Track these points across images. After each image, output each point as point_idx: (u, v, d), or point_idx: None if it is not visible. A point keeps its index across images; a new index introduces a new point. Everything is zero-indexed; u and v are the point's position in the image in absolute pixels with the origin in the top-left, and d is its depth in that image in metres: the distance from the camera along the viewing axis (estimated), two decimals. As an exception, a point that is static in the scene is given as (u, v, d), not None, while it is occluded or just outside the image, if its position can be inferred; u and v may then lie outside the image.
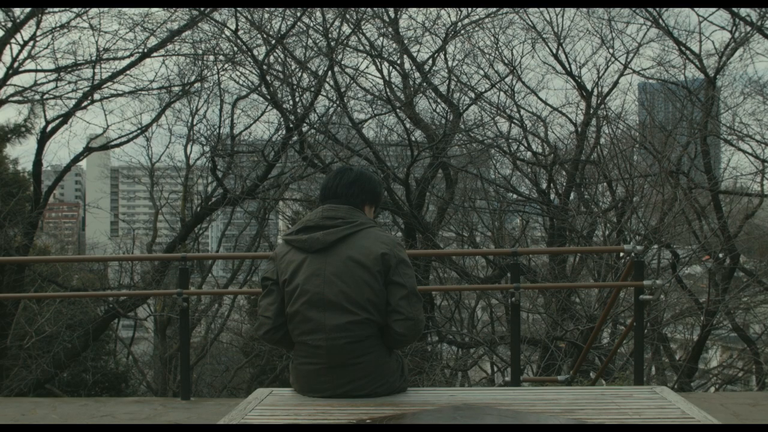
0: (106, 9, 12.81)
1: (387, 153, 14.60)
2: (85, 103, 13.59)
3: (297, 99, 12.78)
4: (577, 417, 2.56)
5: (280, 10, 12.15)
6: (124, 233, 34.49)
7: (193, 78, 14.19)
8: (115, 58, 13.42)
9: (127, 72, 13.47)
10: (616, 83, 14.07)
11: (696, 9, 12.53)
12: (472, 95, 13.88)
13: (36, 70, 13.66)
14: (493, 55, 13.96)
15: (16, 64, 13.02)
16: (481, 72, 14.04)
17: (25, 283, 13.38)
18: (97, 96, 13.65)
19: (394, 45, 13.25)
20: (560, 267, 12.03)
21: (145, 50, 13.33)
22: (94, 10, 12.86)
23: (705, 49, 17.70)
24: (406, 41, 13.21)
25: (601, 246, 11.70)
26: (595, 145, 13.31)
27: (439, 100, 13.86)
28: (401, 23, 13.35)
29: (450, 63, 13.79)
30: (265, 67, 12.44)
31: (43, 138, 13.36)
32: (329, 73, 12.65)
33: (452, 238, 15.14)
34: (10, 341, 12.98)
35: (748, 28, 12.05)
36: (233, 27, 12.39)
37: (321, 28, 12.57)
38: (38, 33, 12.92)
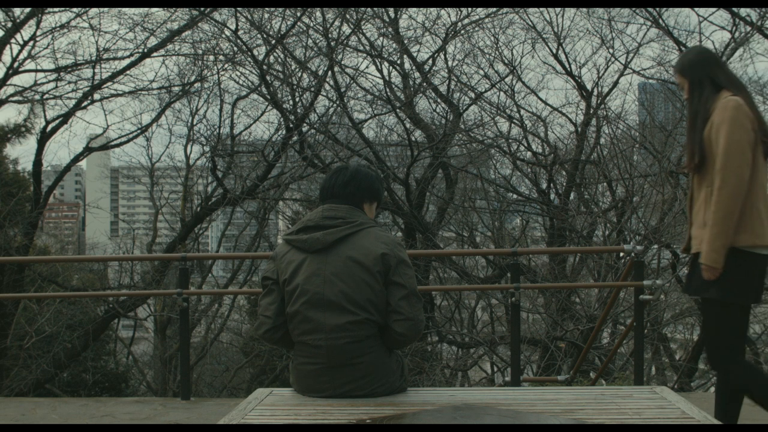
0: (106, 9, 12.83)
1: (387, 153, 14.60)
2: (85, 103, 13.60)
3: (297, 99, 12.79)
4: (577, 417, 2.56)
5: (280, 10, 12.16)
6: (124, 233, 34.46)
7: (193, 78, 14.21)
8: (115, 58, 13.44)
9: (127, 72, 13.50)
10: (616, 83, 14.09)
11: (696, 9, 12.52)
12: (472, 95, 13.89)
13: (36, 70, 13.71)
14: (493, 55, 13.98)
15: (16, 64, 13.03)
16: (481, 72, 14.06)
17: (25, 283, 13.39)
18: (97, 96, 13.67)
19: (394, 45, 13.25)
20: (560, 267, 12.03)
21: (145, 50, 13.34)
22: (94, 10, 12.88)
23: (705, 49, 17.67)
24: (406, 41, 13.21)
25: (601, 246, 11.71)
26: (595, 145, 13.30)
27: (439, 100, 13.86)
28: (401, 23, 13.37)
29: (450, 63, 13.81)
30: (265, 67, 12.44)
31: (43, 138, 13.36)
32: (329, 73, 12.66)
33: (452, 238, 15.15)
34: (10, 341, 12.98)
35: (748, 28, 12.03)
36: (233, 27, 12.41)
37: (321, 28, 12.57)
38: (38, 33, 12.95)
